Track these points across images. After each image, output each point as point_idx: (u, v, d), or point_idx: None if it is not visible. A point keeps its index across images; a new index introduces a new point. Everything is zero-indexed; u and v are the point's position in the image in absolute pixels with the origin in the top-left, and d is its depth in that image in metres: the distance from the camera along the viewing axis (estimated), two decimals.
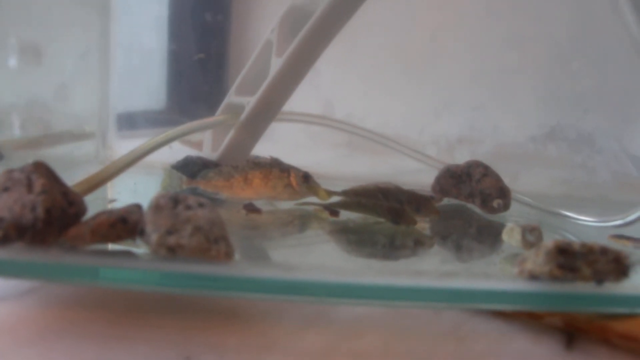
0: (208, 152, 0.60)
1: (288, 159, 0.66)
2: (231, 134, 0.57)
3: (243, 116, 0.56)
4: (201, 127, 0.59)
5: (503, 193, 0.52)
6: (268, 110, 0.56)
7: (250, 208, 0.50)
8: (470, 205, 0.54)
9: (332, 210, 0.50)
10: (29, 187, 0.33)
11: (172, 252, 0.32)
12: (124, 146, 0.56)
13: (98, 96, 0.67)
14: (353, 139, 0.66)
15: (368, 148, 0.64)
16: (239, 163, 0.53)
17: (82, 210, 0.35)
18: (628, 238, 0.47)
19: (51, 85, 0.63)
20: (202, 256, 0.32)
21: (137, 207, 0.35)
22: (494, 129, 0.67)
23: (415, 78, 0.68)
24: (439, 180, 0.55)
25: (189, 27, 0.69)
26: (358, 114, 0.68)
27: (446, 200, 0.56)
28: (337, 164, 0.64)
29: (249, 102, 0.56)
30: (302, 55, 0.54)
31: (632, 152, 0.60)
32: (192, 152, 0.60)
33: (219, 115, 0.60)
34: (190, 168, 0.58)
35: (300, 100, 0.69)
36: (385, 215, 0.48)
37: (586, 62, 0.63)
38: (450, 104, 0.68)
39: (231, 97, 0.60)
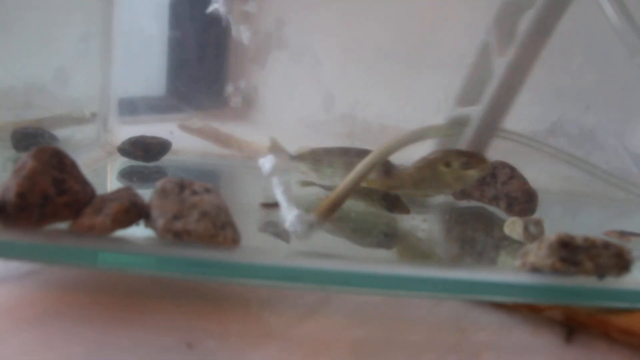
0: None
1: (288, 148, 0.66)
2: (467, 142, 0.52)
3: (474, 124, 0.52)
4: (425, 135, 0.53)
5: (530, 197, 0.49)
6: (496, 116, 0.52)
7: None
8: (492, 209, 0.52)
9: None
10: (20, 170, 0.33)
11: (179, 237, 0.32)
12: (124, 131, 0.56)
13: (99, 80, 0.67)
14: (354, 130, 0.66)
15: (370, 139, 0.64)
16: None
17: (79, 199, 0.34)
18: (625, 233, 0.47)
19: (51, 68, 0.63)
20: (209, 242, 0.32)
21: (130, 189, 0.34)
22: None
23: (417, 70, 0.68)
24: None
25: (190, 14, 0.68)
26: (359, 106, 0.68)
27: (465, 203, 0.54)
28: None
29: (476, 110, 0.52)
30: (528, 53, 0.50)
31: (633, 149, 0.60)
32: (195, 140, 0.60)
33: (444, 125, 0.56)
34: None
35: (299, 93, 0.69)
36: (379, 203, 0.47)
37: (588, 57, 0.63)
38: (451, 96, 0.68)
39: (455, 110, 0.57)
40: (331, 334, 0.33)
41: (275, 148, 0.51)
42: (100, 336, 0.31)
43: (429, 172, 0.47)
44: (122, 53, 0.68)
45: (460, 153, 0.46)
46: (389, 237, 0.44)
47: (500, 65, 0.51)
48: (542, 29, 0.50)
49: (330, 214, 0.41)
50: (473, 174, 0.45)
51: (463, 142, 0.52)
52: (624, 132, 0.62)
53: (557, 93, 0.66)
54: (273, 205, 0.48)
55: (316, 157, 0.52)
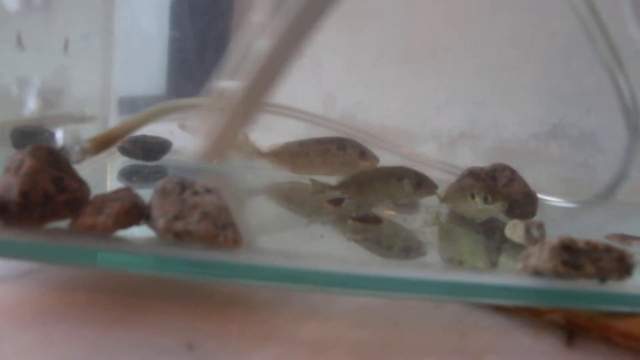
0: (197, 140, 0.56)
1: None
2: (220, 118, 0.53)
3: (233, 100, 0.53)
4: (187, 105, 0.56)
5: (531, 199, 0.49)
6: (257, 95, 0.53)
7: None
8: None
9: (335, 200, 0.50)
10: (18, 169, 0.33)
11: (180, 237, 0.32)
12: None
13: (100, 80, 0.67)
14: (352, 132, 0.66)
15: (367, 141, 0.64)
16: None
17: (78, 197, 0.34)
18: (626, 237, 0.47)
19: (52, 67, 0.62)
20: (210, 242, 0.32)
21: (130, 189, 0.34)
22: (495, 125, 0.67)
23: (418, 72, 0.68)
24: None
25: (191, 13, 0.68)
26: (359, 107, 0.68)
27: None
28: None
29: (239, 86, 0.52)
30: (291, 36, 0.51)
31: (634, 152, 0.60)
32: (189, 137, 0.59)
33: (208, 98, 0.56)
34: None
35: (302, 92, 0.69)
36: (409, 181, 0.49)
37: (589, 59, 0.63)
38: (452, 99, 0.68)
39: (219, 82, 0.57)
40: (332, 336, 0.33)
41: (245, 145, 0.51)
42: (99, 337, 0.31)
43: (462, 201, 0.49)
44: (122, 52, 0.68)
45: (481, 187, 0.48)
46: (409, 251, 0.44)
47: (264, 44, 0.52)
48: (307, 15, 0.50)
49: (105, 146, 0.43)
50: (493, 208, 0.47)
51: (224, 115, 0.53)
52: (625, 135, 0.62)
53: (558, 95, 0.67)
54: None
55: (290, 150, 0.54)
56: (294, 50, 0.52)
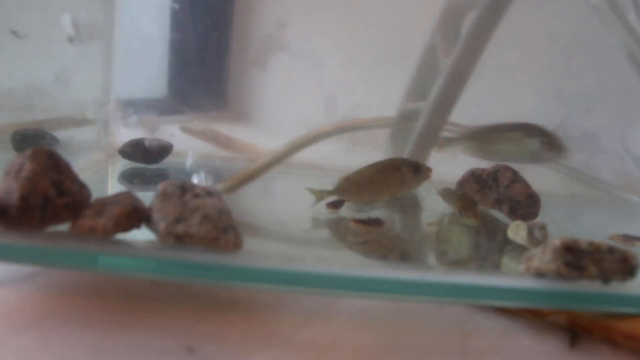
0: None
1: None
2: (415, 136, 0.57)
3: (422, 118, 0.56)
4: (371, 125, 0.60)
5: (533, 200, 0.49)
6: (442, 113, 0.56)
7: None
8: (493, 212, 0.51)
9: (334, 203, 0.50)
10: (18, 172, 0.33)
11: (181, 240, 0.32)
12: (125, 133, 0.56)
13: (100, 83, 0.67)
14: (355, 132, 0.65)
15: (371, 141, 0.64)
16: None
17: (77, 200, 0.34)
18: (629, 238, 0.47)
19: (52, 70, 0.62)
20: (211, 245, 0.32)
21: (130, 193, 0.34)
22: None
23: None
24: (462, 185, 0.52)
25: (191, 16, 0.68)
26: (360, 108, 0.68)
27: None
28: (340, 157, 0.64)
29: (424, 106, 0.56)
30: (470, 53, 0.54)
31: (635, 152, 0.60)
32: (194, 141, 0.59)
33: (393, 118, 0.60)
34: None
35: (300, 95, 0.69)
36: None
37: (590, 60, 0.63)
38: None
39: (403, 104, 0.60)
40: (333, 339, 0.33)
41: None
42: (99, 340, 0.31)
43: None
44: (123, 55, 0.68)
45: (458, 200, 0.49)
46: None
47: (444, 64, 0.55)
48: (482, 33, 0.54)
49: (235, 188, 0.46)
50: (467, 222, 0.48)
51: (414, 135, 0.56)
52: (626, 135, 0.62)
53: (559, 96, 0.66)
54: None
55: (355, 182, 0.52)
56: (470, 68, 0.55)
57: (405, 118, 0.58)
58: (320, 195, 0.50)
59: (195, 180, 0.42)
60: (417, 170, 0.52)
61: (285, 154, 0.55)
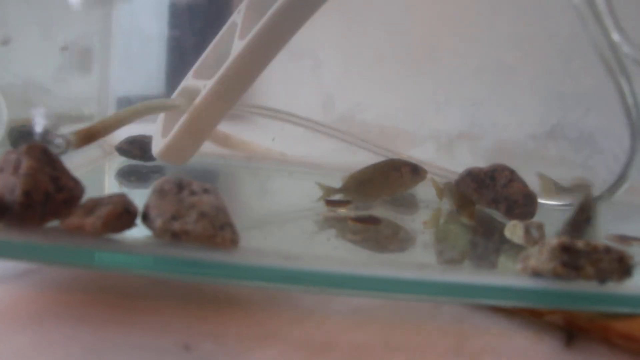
0: (158, 137, 0.56)
1: (288, 151, 0.66)
2: (184, 118, 0.53)
3: (197, 100, 0.52)
4: (157, 109, 0.55)
5: (530, 199, 0.49)
6: (226, 96, 0.52)
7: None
8: (489, 211, 0.51)
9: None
10: (16, 168, 0.33)
11: (177, 237, 0.31)
12: (123, 130, 0.56)
13: (98, 80, 0.67)
14: (353, 131, 0.66)
15: (368, 140, 0.64)
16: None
17: (75, 196, 0.34)
18: (626, 238, 0.47)
19: (50, 67, 0.62)
20: (208, 243, 0.32)
21: (124, 195, 0.34)
22: (494, 126, 0.67)
23: (417, 72, 0.68)
24: (458, 184, 0.52)
25: (189, 13, 0.68)
26: (358, 107, 0.68)
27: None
28: (337, 156, 0.64)
29: (206, 85, 0.52)
30: (267, 38, 0.50)
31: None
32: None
33: (174, 98, 0.56)
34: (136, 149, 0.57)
35: (301, 93, 0.69)
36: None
37: (588, 60, 0.63)
38: (451, 99, 0.67)
39: (189, 80, 0.57)
40: (330, 337, 0.33)
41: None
42: (96, 338, 0.31)
43: None
44: (121, 52, 0.68)
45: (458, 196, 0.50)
46: None
47: (237, 46, 0.52)
48: (285, 20, 0.50)
49: (88, 140, 0.43)
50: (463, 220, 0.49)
51: (187, 113, 0.53)
52: (624, 136, 0.62)
53: (557, 96, 0.66)
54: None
55: (358, 180, 0.53)
56: (265, 55, 0.51)
57: (187, 96, 0.54)
58: (328, 191, 0.52)
59: (38, 130, 0.41)
60: (416, 170, 0.53)
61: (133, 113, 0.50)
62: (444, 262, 0.41)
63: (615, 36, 0.40)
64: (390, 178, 0.53)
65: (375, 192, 0.53)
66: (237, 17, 0.55)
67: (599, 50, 0.39)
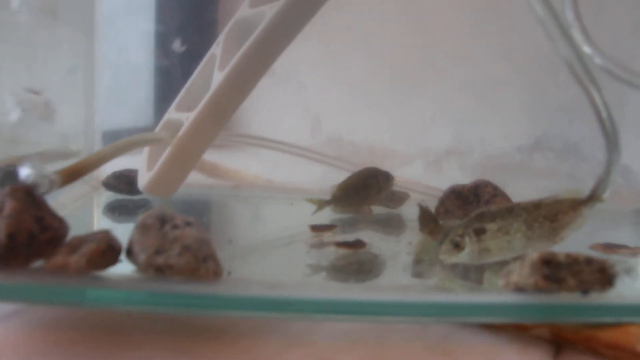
0: (143, 171, 0.57)
1: (277, 176, 0.66)
2: (167, 151, 0.54)
3: (180, 132, 0.53)
4: (140, 143, 0.56)
5: None
6: (209, 127, 0.53)
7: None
8: None
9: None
10: (0, 210, 0.33)
11: (161, 272, 0.32)
12: (110, 164, 0.57)
13: (84, 114, 0.67)
14: (342, 154, 0.66)
15: (357, 162, 0.64)
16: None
17: (59, 235, 0.34)
18: (611, 246, 0.47)
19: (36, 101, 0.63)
20: (191, 276, 0.32)
21: (108, 232, 0.34)
22: (481, 141, 0.67)
23: (403, 91, 0.68)
24: (443, 201, 0.52)
25: (177, 41, 0.69)
26: (345, 128, 0.68)
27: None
28: (327, 179, 0.64)
29: (188, 117, 0.53)
30: (246, 69, 0.51)
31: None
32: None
33: (157, 132, 0.57)
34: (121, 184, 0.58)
35: (288, 116, 0.69)
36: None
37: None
38: (437, 116, 0.68)
39: (171, 113, 0.58)
40: None
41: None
42: None
43: None
44: (106, 85, 0.68)
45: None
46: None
47: (218, 77, 0.53)
48: (263, 51, 0.51)
49: (73, 178, 0.42)
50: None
51: (172, 145, 0.53)
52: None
53: (541, 108, 0.67)
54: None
55: (344, 190, 0.56)
56: (245, 85, 0.52)
57: (170, 129, 0.55)
58: (320, 204, 0.54)
59: (23, 173, 0.41)
60: (388, 178, 0.56)
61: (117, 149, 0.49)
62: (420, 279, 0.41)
63: (586, 48, 0.40)
64: (369, 187, 0.55)
65: (359, 201, 0.55)
66: (216, 49, 0.56)
67: (569, 65, 0.40)
